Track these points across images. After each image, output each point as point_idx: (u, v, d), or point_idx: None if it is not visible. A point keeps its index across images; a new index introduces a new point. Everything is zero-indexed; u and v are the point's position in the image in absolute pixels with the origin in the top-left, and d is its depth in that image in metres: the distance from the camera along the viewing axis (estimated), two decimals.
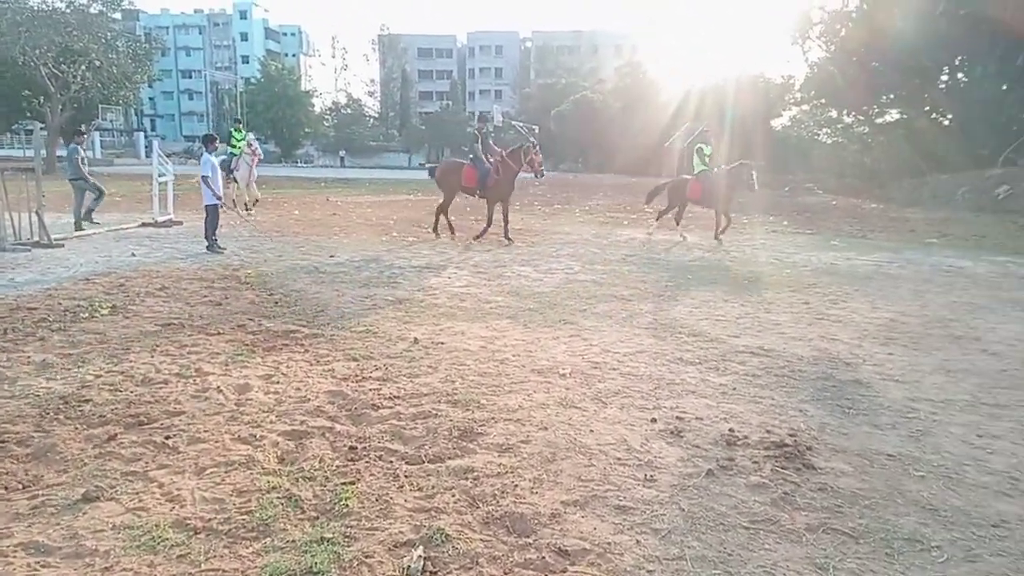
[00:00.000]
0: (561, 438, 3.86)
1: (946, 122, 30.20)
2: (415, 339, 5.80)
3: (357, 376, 4.85)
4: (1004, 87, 26.52)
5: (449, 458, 3.58)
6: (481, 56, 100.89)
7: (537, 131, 41.16)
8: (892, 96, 31.52)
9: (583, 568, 2.65)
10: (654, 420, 4.14)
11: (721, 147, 11.85)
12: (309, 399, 4.37)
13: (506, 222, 12.49)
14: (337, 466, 3.45)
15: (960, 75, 28.27)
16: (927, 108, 31.14)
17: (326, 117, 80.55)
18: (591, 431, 3.97)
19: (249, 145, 16.65)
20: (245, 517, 2.95)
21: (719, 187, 13.29)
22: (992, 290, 8.86)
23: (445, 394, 4.51)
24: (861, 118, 35.08)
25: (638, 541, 2.84)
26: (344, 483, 3.26)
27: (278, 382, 4.68)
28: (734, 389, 4.77)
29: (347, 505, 3.05)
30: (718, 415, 4.26)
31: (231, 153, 16.60)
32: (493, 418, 4.12)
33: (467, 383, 4.76)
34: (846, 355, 5.72)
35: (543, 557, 2.71)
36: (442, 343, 5.75)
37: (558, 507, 3.10)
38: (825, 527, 2.98)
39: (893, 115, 33.61)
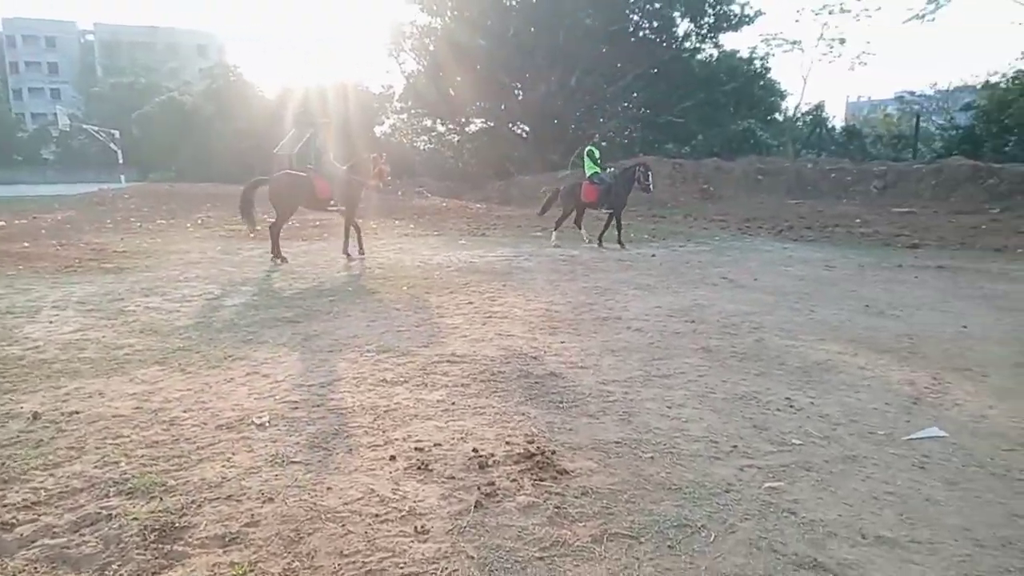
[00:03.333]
0: (296, 508, 3.14)
1: (522, 133, 35.06)
2: (34, 414, 4.23)
3: None
4: (560, 103, 31.91)
5: (156, 574, 2.61)
6: (27, 48, 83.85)
7: (118, 136, 35.61)
8: (478, 106, 35.28)
9: None
10: (393, 458, 3.67)
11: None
12: None
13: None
14: None
15: (531, 92, 32.96)
16: (507, 119, 35.68)
17: None
18: (328, 489, 3.32)
19: None
20: None
21: (615, 189, 13.66)
22: (604, 273, 10.41)
23: (112, 482, 3.33)
24: (452, 127, 38.53)
25: None
26: None
27: None
28: (453, 404, 4.56)
29: None
30: (453, 436, 3.99)
31: None
32: (194, 502, 3.17)
33: (136, 461, 3.61)
34: (528, 349, 5.99)
35: None
36: (76, 412, 4.30)
37: None
38: (607, 534, 2.94)
39: (479, 124, 37.69)
